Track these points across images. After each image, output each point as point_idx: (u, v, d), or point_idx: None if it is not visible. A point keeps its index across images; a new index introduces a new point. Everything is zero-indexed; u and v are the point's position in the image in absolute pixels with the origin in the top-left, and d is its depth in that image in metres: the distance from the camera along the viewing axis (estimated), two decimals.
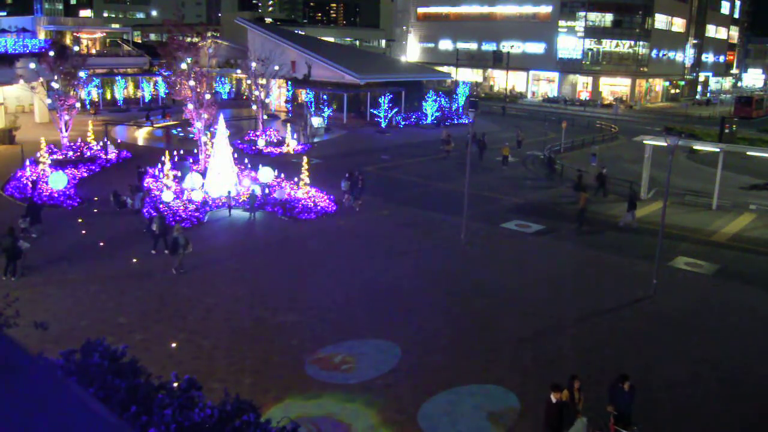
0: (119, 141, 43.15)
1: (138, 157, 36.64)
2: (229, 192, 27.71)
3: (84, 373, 7.65)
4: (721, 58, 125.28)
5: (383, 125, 54.54)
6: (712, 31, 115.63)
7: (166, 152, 30.68)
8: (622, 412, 12.09)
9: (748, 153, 36.82)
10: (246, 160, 33.32)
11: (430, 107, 58.53)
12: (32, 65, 40.13)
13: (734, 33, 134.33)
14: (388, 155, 42.88)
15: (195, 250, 21.02)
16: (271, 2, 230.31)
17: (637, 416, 12.44)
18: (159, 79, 59.25)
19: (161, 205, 25.76)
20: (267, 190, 29.22)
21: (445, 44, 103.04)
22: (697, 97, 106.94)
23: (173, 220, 24.99)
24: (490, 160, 41.20)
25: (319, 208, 27.57)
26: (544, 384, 14.29)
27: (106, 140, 37.81)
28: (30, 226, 22.84)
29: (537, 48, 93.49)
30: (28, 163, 32.22)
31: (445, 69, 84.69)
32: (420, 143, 48.27)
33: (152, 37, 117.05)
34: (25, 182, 29.61)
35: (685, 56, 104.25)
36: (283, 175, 31.51)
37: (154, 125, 51.62)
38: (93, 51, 66.33)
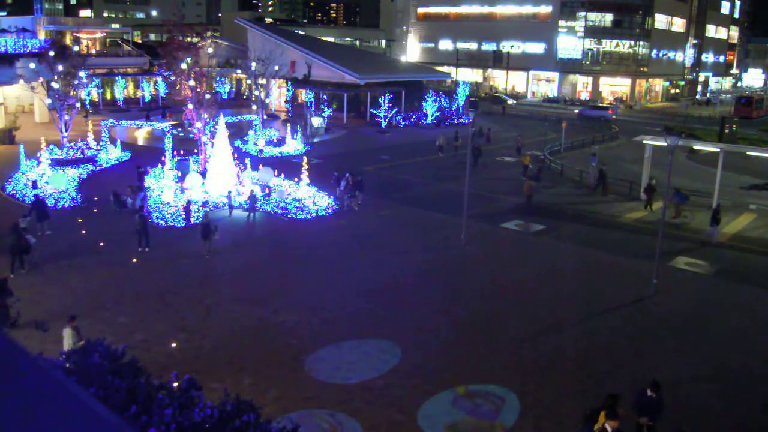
0: (120, 141, 43.08)
1: (138, 156, 36.63)
2: (229, 192, 27.70)
3: (84, 373, 7.65)
4: (721, 58, 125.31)
5: (383, 125, 54.51)
6: (712, 31, 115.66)
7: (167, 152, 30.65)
8: (653, 420, 11.87)
9: (749, 153, 36.82)
10: (246, 160, 33.26)
11: (430, 107, 58.51)
12: (32, 65, 40.10)
13: (734, 33, 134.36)
14: (388, 155, 42.87)
15: (195, 250, 21.77)
16: (271, 2, 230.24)
17: (636, 416, 12.39)
18: (159, 79, 59.23)
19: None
20: (267, 191, 29.20)
21: (445, 44, 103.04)
22: (697, 97, 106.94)
23: (176, 220, 25.09)
24: (491, 162, 41.15)
25: (318, 208, 27.57)
26: (544, 384, 14.31)
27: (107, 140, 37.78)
28: (38, 222, 22.93)
29: (537, 48, 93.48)
30: (27, 162, 32.21)
31: (445, 69, 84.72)
32: (420, 143, 48.22)
33: (152, 37, 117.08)
34: (25, 182, 29.61)
35: (685, 56, 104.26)
36: (283, 175, 31.50)
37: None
38: (93, 51, 66.32)
